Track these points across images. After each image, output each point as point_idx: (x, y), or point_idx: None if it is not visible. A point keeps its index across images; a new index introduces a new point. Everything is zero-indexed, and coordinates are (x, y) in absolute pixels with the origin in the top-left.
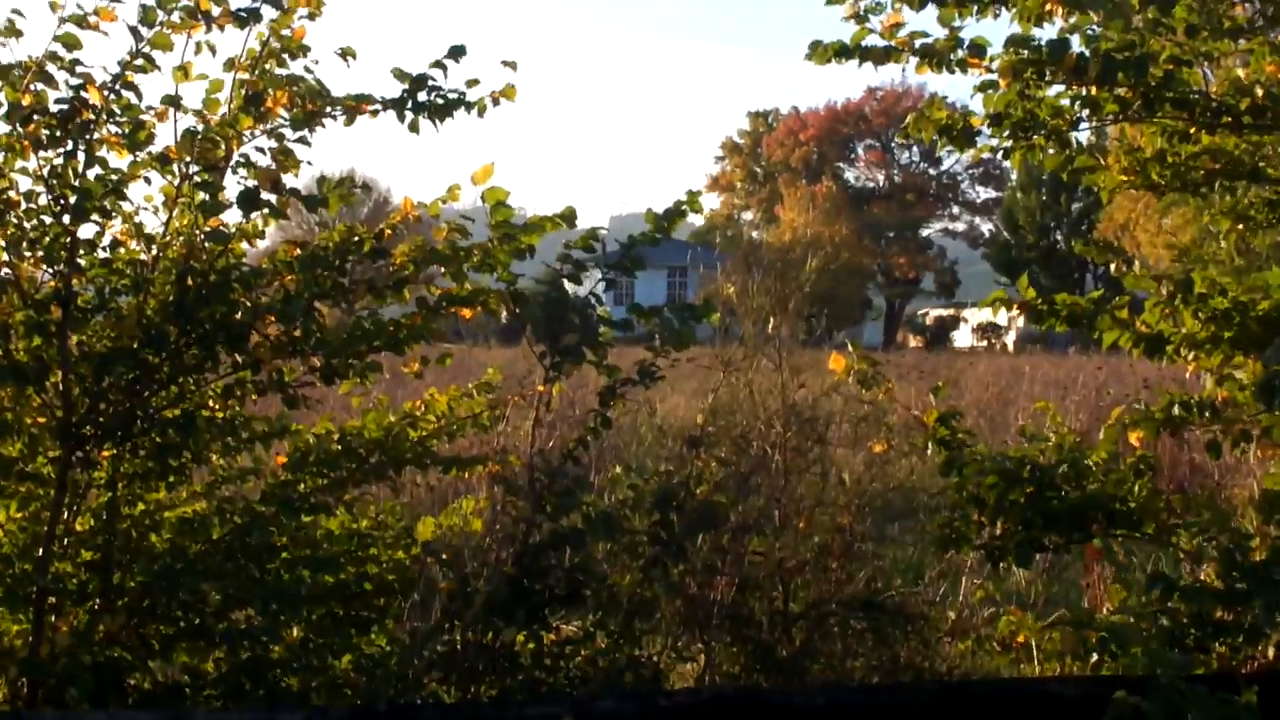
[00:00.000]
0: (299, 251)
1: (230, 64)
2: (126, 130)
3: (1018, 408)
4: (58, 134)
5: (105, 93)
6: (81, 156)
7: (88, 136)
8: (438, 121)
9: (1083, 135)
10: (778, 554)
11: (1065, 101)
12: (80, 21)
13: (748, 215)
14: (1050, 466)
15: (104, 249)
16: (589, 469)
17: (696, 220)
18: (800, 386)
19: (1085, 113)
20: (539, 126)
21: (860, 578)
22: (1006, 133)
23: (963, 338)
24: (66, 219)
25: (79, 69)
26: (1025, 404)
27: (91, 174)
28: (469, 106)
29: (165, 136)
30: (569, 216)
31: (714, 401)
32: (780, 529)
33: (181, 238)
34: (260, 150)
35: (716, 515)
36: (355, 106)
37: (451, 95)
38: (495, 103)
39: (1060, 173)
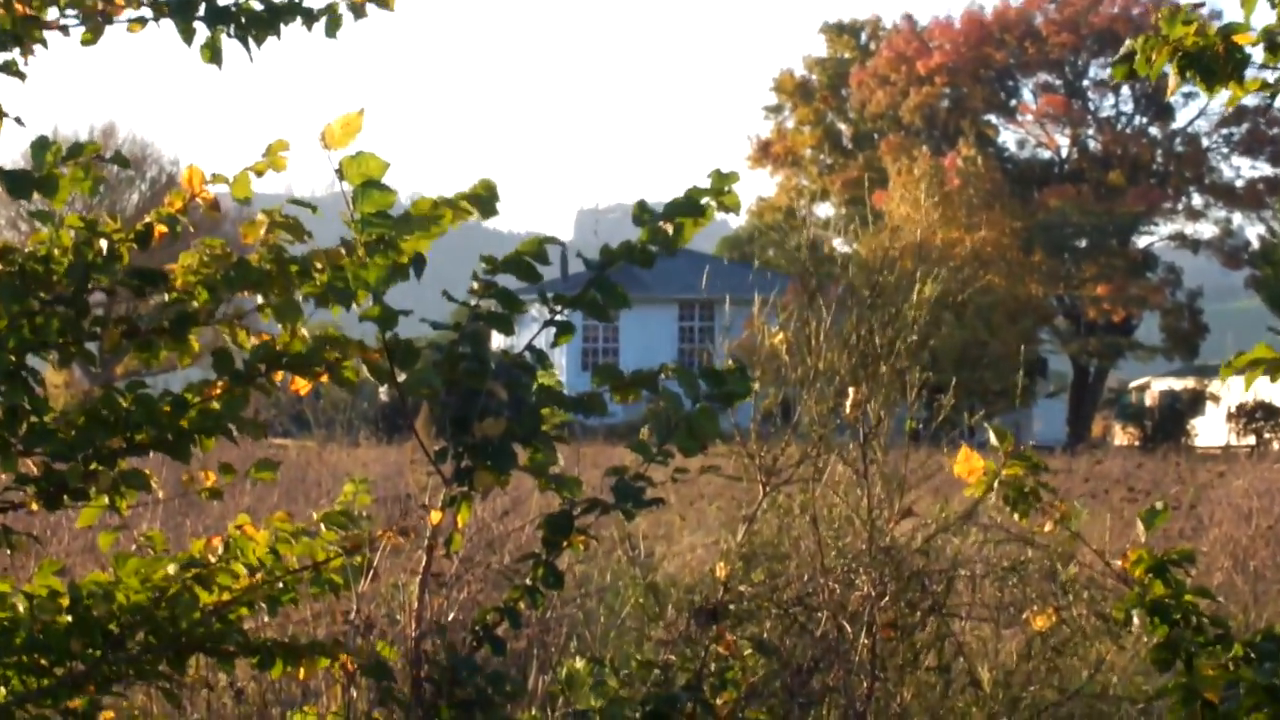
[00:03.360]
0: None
1: None
2: None
3: None
4: None
5: None
6: None
7: None
8: (253, 41)
9: None
10: None
11: None
12: None
13: (823, 209)
14: None
15: None
16: (523, 661)
17: (732, 219)
18: (906, 514)
19: None
20: (466, 73)
21: None
22: None
23: (1211, 429)
24: None
25: None
26: None
27: None
28: (308, 16)
29: None
30: (483, 198)
31: (748, 540)
32: None
33: None
34: None
35: None
36: (103, 9)
37: None
38: (358, 12)
39: None
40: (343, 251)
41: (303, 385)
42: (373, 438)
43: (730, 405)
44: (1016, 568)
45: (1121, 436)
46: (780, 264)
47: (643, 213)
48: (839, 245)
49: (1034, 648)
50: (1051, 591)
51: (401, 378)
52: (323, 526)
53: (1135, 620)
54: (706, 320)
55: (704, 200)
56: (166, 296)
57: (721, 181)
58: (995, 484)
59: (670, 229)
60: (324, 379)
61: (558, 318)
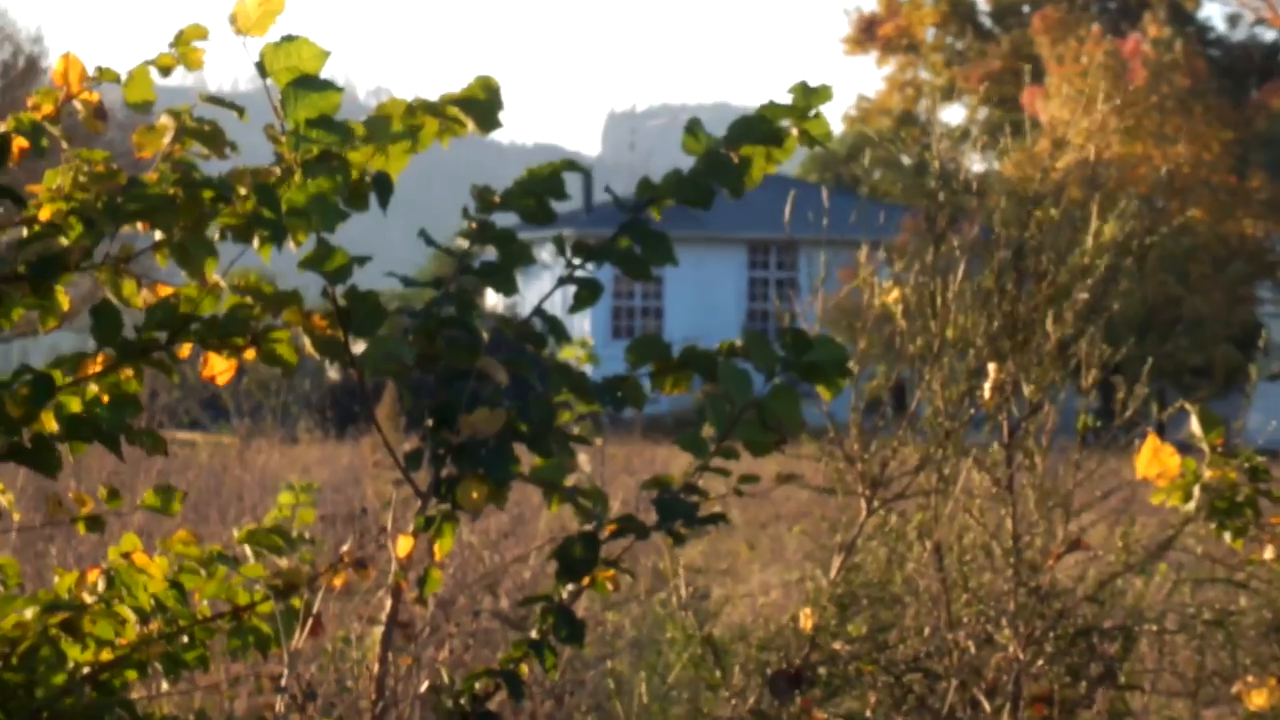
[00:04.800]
0: None
1: None
2: None
3: None
4: None
5: None
6: None
7: None
8: None
9: None
10: None
11: None
12: None
13: (952, 112)
14: None
15: None
16: None
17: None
18: (1073, 547)
19: None
20: None
21: None
22: None
23: None
24: None
25: None
26: None
27: None
28: None
29: None
30: (482, 103)
31: (844, 578)
32: None
33: None
34: None
35: None
36: None
37: None
38: None
39: None
40: (277, 171)
41: (220, 367)
42: (317, 431)
43: (819, 383)
44: (1224, 621)
45: None
46: (892, 191)
47: (696, 135)
48: (975, 165)
49: None
50: (1273, 655)
51: (359, 350)
52: (247, 551)
53: None
54: (787, 269)
55: (783, 123)
56: (24, 231)
57: (808, 100)
58: (1196, 491)
59: (735, 159)
60: (250, 355)
61: (578, 273)
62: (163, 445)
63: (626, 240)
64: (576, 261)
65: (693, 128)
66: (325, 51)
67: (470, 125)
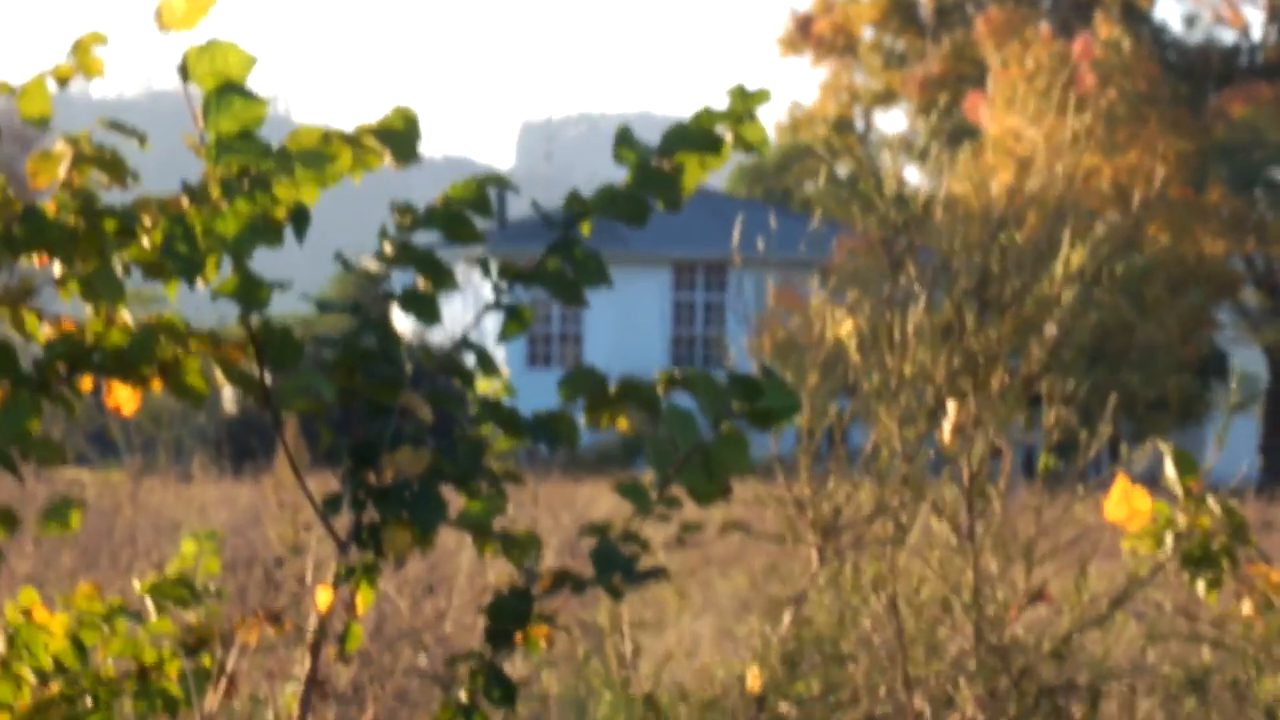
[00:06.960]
0: None
1: None
2: None
3: None
4: None
5: None
6: None
7: None
8: None
9: None
10: None
11: None
12: None
13: (892, 117)
14: None
15: None
16: None
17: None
18: (1037, 597)
19: None
20: None
21: None
22: None
23: None
24: None
25: None
26: None
27: None
28: None
29: None
30: (400, 135)
31: (793, 634)
32: None
33: None
34: None
35: None
36: None
37: None
38: None
39: None
40: (184, 201)
41: (125, 397)
42: (213, 467)
43: (769, 429)
44: (1197, 680)
45: None
46: (831, 206)
47: (626, 145)
48: (917, 179)
49: None
50: (1247, 716)
51: (266, 386)
52: (149, 604)
53: None
54: (714, 289)
55: (718, 129)
56: None
57: (745, 104)
58: (1169, 537)
59: (668, 169)
60: (156, 387)
61: (503, 299)
62: (61, 455)
63: (558, 262)
64: (504, 284)
65: (624, 137)
66: (252, 58)
67: (387, 157)
